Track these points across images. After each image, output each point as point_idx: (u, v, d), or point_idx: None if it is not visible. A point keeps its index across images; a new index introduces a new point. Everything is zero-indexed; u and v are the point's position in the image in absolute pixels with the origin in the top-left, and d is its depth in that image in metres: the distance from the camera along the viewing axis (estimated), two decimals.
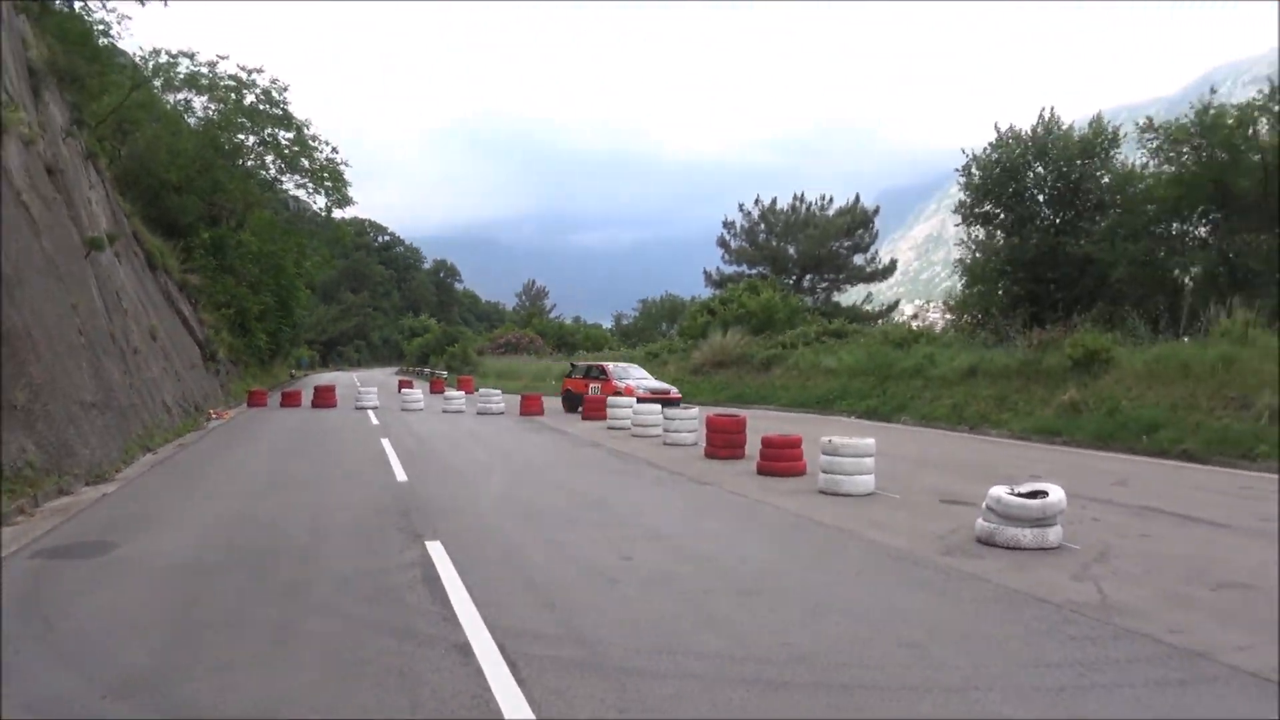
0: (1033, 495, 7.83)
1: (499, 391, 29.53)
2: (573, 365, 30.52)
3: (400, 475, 13.00)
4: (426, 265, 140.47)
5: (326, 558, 7.66)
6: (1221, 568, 7.11)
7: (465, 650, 5.12)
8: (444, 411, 27.23)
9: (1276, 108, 22.47)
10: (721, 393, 30.25)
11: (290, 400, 30.57)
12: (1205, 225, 24.73)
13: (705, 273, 55.78)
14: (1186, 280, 24.51)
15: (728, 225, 55.11)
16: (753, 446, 13.91)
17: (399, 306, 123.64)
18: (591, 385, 25.69)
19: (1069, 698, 4.45)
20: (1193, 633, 5.44)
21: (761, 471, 12.63)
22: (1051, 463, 13.95)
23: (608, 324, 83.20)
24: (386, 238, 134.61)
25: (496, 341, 68.68)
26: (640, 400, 21.92)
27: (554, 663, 4.94)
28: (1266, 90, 22.94)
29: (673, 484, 12.26)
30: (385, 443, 17.62)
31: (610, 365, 27.04)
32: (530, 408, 26.49)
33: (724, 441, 14.70)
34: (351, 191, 41.27)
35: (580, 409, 24.91)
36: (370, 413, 26.90)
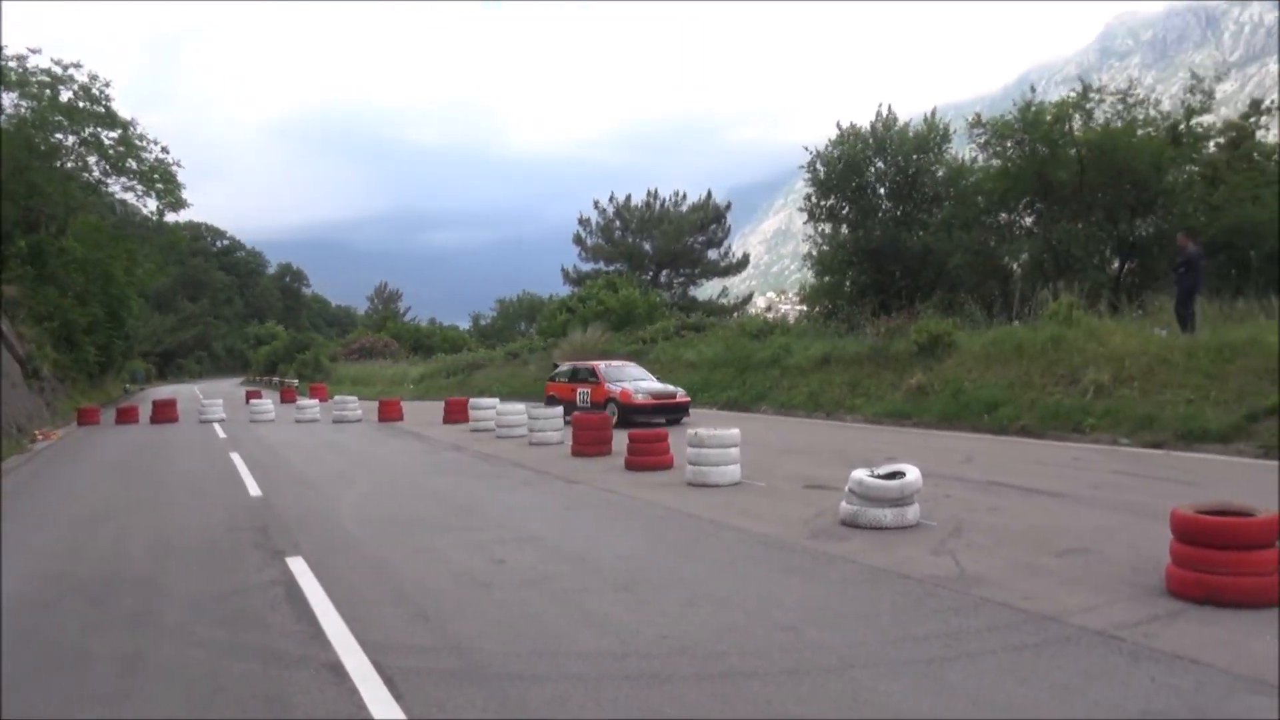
0: (891, 476, 8.15)
1: (355, 398, 28.62)
2: (555, 365, 24.89)
3: (254, 490, 12.38)
4: (271, 270, 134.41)
5: (177, 582, 7.20)
6: (1063, 535, 7.58)
7: (337, 669, 4.89)
8: (297, 421, 26.14)
9: (1088, 105, 24.20)
10: None
11: (126, 416, 28.66)
12: (1030, 215, 26.43)
13: (563, 270, 55.68)
14: (1015, 267, 26.11)
15: (583, 222, 55.18)
16: (620, 442, 13.95)
17: (243, 314, 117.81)
18: (580, 390, 21.01)
19: (937, 669, 4.64)
20: (1043, 598, 5.77)
21: (629, 467, 12.67)
22: (904, 444, 14.58)
23: (465, 325, 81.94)
24: (226, 241, 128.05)
25: (350, 347, 66.51)
26: (640, 408, 19.06)
27: (431, 675, 4.79)
28: (1079, 89, 24.68)
29: (542, 484, 12.15)
30: (235, 457, 16.76)
31: (601, 365, 21.74)
32: (389, 413, 25.76)
33: (590, 439, 14.68)
34: (186, 194, 38.89)
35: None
36: (216, 426, 25.54)
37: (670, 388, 20.59)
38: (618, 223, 54.56)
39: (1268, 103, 25.24)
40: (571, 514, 9.89)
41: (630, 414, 18.63)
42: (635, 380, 20.72)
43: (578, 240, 55.25)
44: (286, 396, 41.20)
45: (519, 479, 12.77)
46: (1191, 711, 4.03)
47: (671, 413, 19.29)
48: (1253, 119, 24.18)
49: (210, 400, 30.66)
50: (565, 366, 23.43)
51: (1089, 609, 5.50)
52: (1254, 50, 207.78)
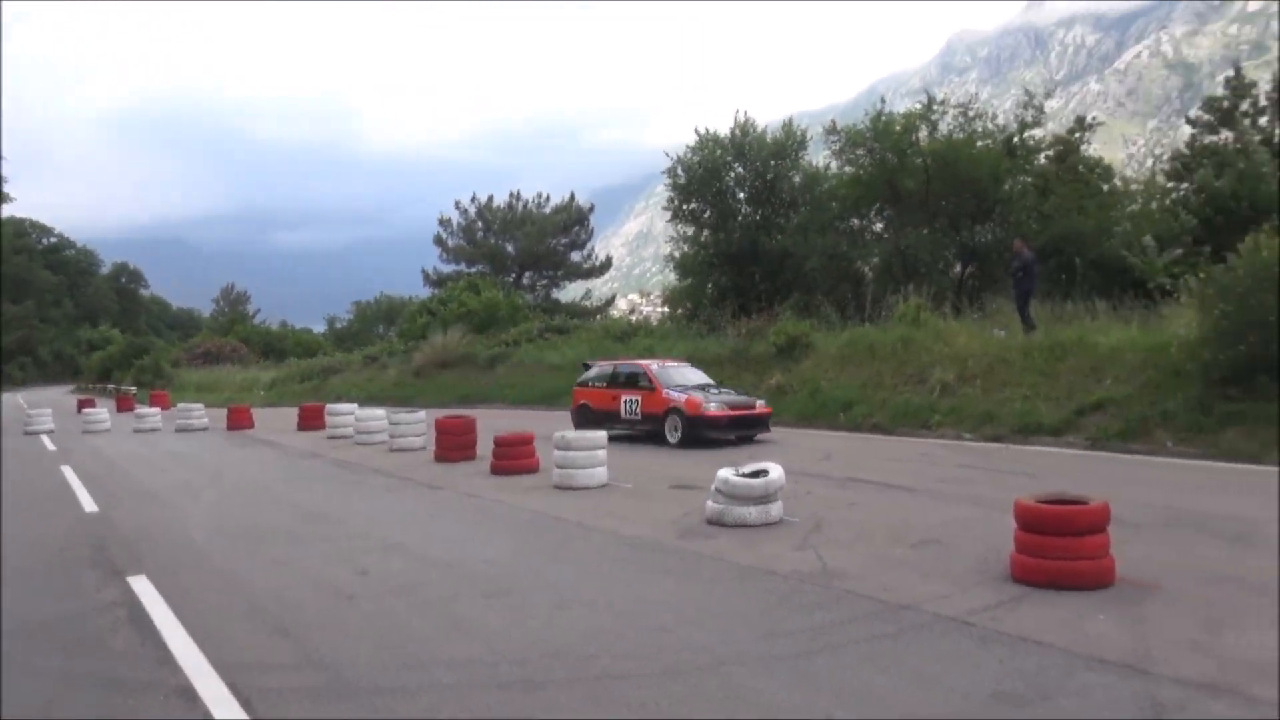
0: (755, 474, 8.34)
1: (201, 406, 27.19)
2: (585, 366, 19.13)
3: (89, 505, 11.56)
4: (105, 270, 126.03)
5: (5, 606, 6.63)
6: (916, 528, 7.94)
7: (188, 694, 4.61)
8: (136, 431, 24.60)
9: (933, 117, 25.50)
10: (447, 394, 29.69)
11: None
12: (881, 221, 27.63)
13: (423, 272, 54.56)
14: (867, 270, 27.23)
15: (444, 223, 54.21)
16: (484, 446, 13.76)
17: (73, 317, 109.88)
18: (625, 399, 16.33)
19: (805, 662, 4.77)
20: (900, 589, 6.02)
21: (495, 471, 12.51)
22: (765, 443, 14.96)
23: (320, 328, 79.14)
24: (53, 239, 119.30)
25: (194, 352, 63.11)
26: (713, 421, 14.94)
27: (293, 694, 4.59)
28: (925, 101, 26.00)
29: (405, 491, 11.85)
30: (67, 470, 15.61)
31: (654, 366, 16.67)
32: (238, 421, 24.58)
33: (454, 443, 14.42)
34: (8, 188, 36.13)
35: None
36: (44, 438, 23.73)
37: (746, 396, 16.20)
38: (480, 224, 53.89)
39: (1090, 119, 27.29)
40: (437, 520, 9.69)
41: (701, 429, 14.83)
42: (699, 384, 16.23)
43: (439, 241, 54.28)
44: (124, 405, 38.70)
45: (381, 486, 12.42)
46: (1035, 690, 4.28)
47: (749, 427, 15.41)
48: (1077, 134, 26.04)
49: (37, 410, 28.45)
50: (600, 368, 18.04)
51: (942, 597, 5.78)
52: (1077, 69, 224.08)
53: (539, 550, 7.91)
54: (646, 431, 15.96)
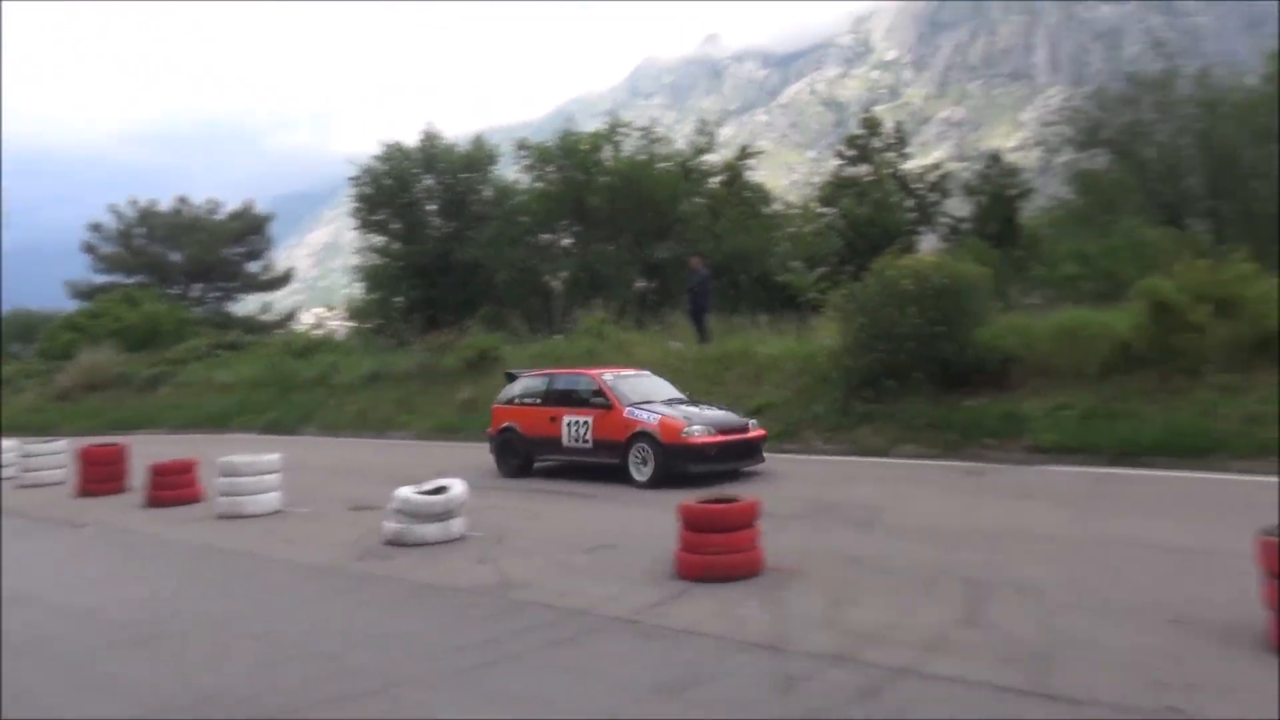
0: (436, 491, 8.25)
1: None
2: (509, 376, 14.46)
3: None
4: None
5: None
6: (595, 534, 8.24)
7: None
8: None
9: (616, 139, 26.71)
10: (97, 419, 26.52)
11: None
12: (570, 237, 28.44)
13: (69, 284, 48.46)
14: (556, 284, 27.90)
15: (96, 228, 48.55)
16: (140, 476, 12.45)
17: None
18: (569, 420, 12.17)
19: (479, 674, 4.80)
20: (575, 594, 6.22)
21: (151, 503, 11.34)
22: (453, 459, 14.76)
23: None
24: None
25: None
26: (699, 451, 10.98)
27: None
28: (610, 122, 27.22)
29: (39, 532, 10.43)
30: None
31: (607, 376, 12.60)
32: None
33: (101, 475, 12.89)
34: None
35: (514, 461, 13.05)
36: None
37: (736, 415, 12.11)
38: (142, 230, 48.87)
39: (748, 147, 30.03)
40: (78, 562, 8.65)
41: (681, 462, 10.97)
42: (673, 403, 12.17)
43: (89, 249, 48.48)
44: None
45: (6, 528, 10.83)
46: (693, 676, 4.62)
47: (742, 455, 11.61)
48: (742, 161, 28.43)
49: None
50: (529, 381, 13.68)
51: (613, 599, 6.04)
52: (748, 101, 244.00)
53: (201, 586, 7.31)
54: (599, 465, 11.98)
